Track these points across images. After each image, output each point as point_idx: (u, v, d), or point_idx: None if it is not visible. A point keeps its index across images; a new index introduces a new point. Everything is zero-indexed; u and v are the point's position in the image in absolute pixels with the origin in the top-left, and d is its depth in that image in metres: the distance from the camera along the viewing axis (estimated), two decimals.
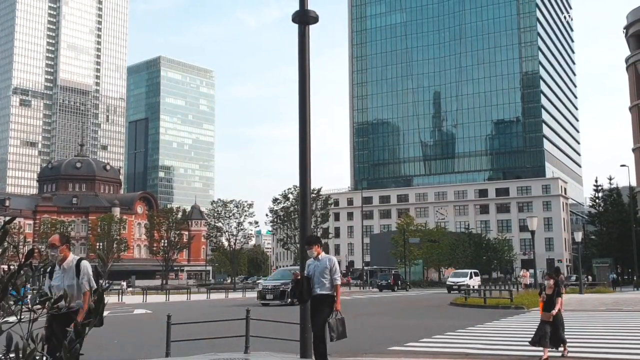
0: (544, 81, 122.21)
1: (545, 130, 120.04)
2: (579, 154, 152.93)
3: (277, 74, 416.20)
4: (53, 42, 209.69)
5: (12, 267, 2.63)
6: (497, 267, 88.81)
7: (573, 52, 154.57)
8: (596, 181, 75.13)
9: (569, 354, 11.87)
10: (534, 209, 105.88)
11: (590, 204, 79.58)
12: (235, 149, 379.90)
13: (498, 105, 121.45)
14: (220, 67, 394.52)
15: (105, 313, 20.77)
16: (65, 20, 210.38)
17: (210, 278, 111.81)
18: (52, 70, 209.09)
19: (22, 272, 2.64)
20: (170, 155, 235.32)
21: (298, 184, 10.11)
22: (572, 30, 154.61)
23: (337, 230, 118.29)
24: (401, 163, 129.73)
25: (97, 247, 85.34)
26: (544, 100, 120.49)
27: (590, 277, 61.99)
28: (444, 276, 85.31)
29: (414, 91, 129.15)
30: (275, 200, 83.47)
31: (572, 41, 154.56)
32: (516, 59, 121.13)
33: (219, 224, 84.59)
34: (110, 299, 37.44)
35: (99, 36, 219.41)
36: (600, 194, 74.18)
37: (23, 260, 2.63)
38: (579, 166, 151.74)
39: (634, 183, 67.14)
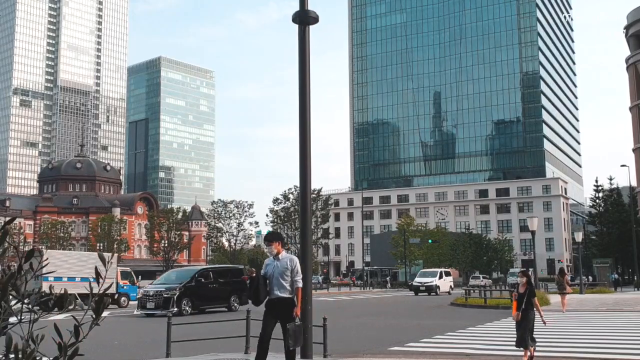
0: (544, 81, 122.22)
1: (546, 131, 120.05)
2: (579, 154, 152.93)
3: (277, 75, 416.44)
4: (53, 42, 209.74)
5: (12, 267, 2.63)
6: (498, 267, 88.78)
7: (573, 52, 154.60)
8: (596, 181, 75.09)
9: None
10: (534, 209, 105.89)
11: (591, 204, 79.53)
12: (235, 150, 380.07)
13: (498, 106, 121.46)
14: (220, 67, 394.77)
15: (106, 313, 20.79)
16: (65, 21, 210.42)
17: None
18: (52, 71, 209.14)
19: (22, 272, 2.64)
20: (171, 156, 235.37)
21: (298, 184, 10.10)
22: (572, 30, 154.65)
23: (337, 230, 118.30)
24: (401, 163, 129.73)
25: (98, 247, 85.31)
26: (544, 100, 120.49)
27: (590, 277, 61.97)
28: None
29: (414, 91, 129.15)
30: (275, 200, 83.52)
31: (572, 41, 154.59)
32: (516, 59, 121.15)
33: (219, 225, 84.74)
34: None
35: (99, 37, 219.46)
36: (600, 194, 74.11)
37: (23, 260, 2.63)
38: (579, 166, 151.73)
39: (634, 183, 67.11)
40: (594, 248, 72.79)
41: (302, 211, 9.91)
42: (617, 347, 13.12)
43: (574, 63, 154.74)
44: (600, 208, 73.36)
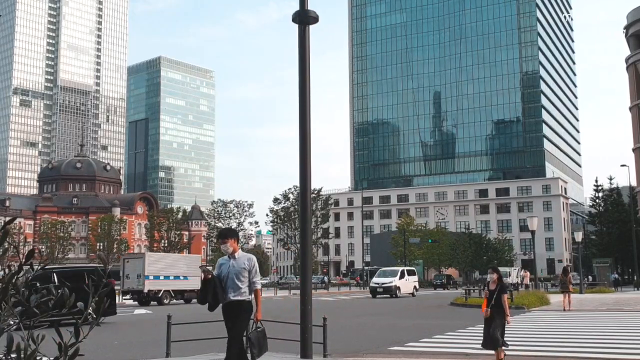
0: (544, 81, 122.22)
1: (546, 130, 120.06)
2: (579, 154, 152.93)
3: (277, 75, 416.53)
4: (53, 42, 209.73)
5: (12, 267, 2.63)
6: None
7: (573, 51, 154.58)
8: (596, 181, 75.13)
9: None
10: (534, 209, 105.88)
11: (591, 204, 79.55)
12: (235, 150, 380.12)
13: (498, 105, 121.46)
14: (220, 67, 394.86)
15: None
16: (65, 21, 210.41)
17: None
18: (52, 71, 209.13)
19: (22, 272, 2.64)
20: (171, 156, 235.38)
21: (298, 184, 10.10)
22: (572, 30, 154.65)
23: (337, 230, 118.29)
24: (401, 163, 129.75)
25: (98, 247, 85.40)
26: (544, 100, 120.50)
27: (590, 277, 61.93)
28: None
29: (414, 91, 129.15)
30: (275, 200, 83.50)
31: (572, 41, 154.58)
32: (516, 59, 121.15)
33: (219, 224, 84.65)
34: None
35: (99, 36, 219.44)
36: (600, 194, 74.13)
37: (23, 260, 2.64)
38: (579, 166, 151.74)
39: (634, 183, 67.11)
40: (593, 248, 72.81)
41: (302, 211, 9.91)
42: (617, 347, 13.12)
43: (573, 63, 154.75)
44: (600, 208, 73.38)
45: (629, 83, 66.97)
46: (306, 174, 9.71)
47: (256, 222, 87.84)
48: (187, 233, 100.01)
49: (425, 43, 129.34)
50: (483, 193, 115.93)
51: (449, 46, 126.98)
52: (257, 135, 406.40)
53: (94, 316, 2.69)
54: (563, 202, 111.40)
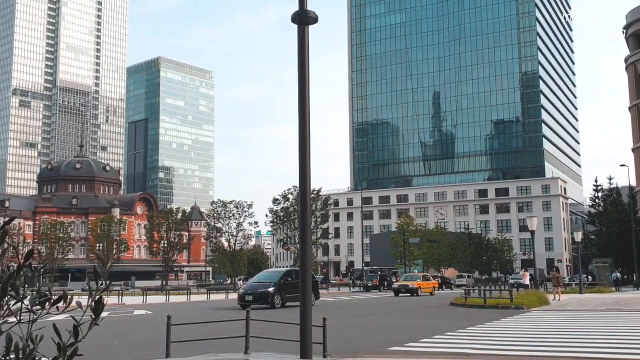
0: (544, 81, 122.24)
1: (545, 130, 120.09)
2: (578, 154, 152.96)
3: (276, 75, 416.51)
4: (52, 43, 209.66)
5: (11, 267, 2.63)
6: (497, 267, 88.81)
7: (572, 51, 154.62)
8: (596, 181, 75.14)
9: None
10: (533, 209, 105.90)
11: (590, 204, 79.56)
12: (234, 150, 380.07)
13: (497, 105, 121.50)
14: (219, 68, 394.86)
15: (105, 314, 20.78)
16: (64, 21, 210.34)
17: (210, 279, 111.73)
18: (51, 71, 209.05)
19: (21, 272, 2.64)
20: (170, 156, 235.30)
21: (298, 185, 10.09)
22: (571, 30, 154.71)
23: (337, 230, 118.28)
24: (401, 163, 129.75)
25: (97, 247, 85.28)
26: (543, 100, 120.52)
27: (590, 277, 61.96)
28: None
29: (413, 91, 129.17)
30: (275, 200, 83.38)
31: (572, 41, 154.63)
32: (515, 59, 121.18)
33: (219, 225, 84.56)
34: (110, 299, 37.43)
35: (98, 37, 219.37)
36: (599, 194, 74.13)
37: (22, 261, 2.63)
38: (579, 166, 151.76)
39: (633, 183, 67.13)
40: (593, 248, 72.80)
41: (302, 211, 9.90)
42: (617, 347, 13.12)
43: (573, 63, 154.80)
44: (600, 208, 73.38)
45: (628, 83, 66.98)
46: (305, 174, 9.70)
47: (256, 223, 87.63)
48: (186, 233, 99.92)
49: (425, 43, 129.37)
50: (482, 193, 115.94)
51: (448, 46, 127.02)
52: (256, 136, 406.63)
53: (93, 316, 2.69)
54: (562, 202, 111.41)
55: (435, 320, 21.27)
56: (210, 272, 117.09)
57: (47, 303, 2.66)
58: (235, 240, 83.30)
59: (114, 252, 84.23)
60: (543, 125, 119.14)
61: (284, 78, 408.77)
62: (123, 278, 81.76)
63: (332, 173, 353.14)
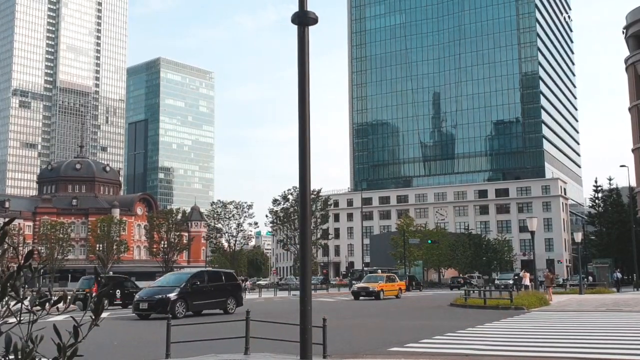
0: (544, 82, 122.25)
1: (545, 131, 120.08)
2: (578, 155, 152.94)
3: (276, 76, 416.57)
4: (52, 43, 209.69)
5: (11, 268, 2.63)
6: (497, 267, 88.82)
7: (572, 52, 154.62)
8: (596, 182, 75.19)
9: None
10: (533, 210, 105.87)
11: (590, 205, 79.58)
12: (234, 150, 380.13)
13: (497, 106, 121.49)
14: (219, 68, 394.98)
15: (105, 314, 20.77)
16: (64, 22, 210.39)
17: None
18: (51, 72, 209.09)
19: (21, 273, 2.64)
20: (170, 157, 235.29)
21: (298, 185, 10.09)
22: (571, 30, 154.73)
23: (336, 231, 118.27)
24: (401, 164, 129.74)
25: (97, 248, 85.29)
26: (543, 101, 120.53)
27: (591, 278, 61.90)
28: (443, 277, 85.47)
29: (413, 92, 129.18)
30: (275, 201, 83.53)
31: (572, 42, 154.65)
32: (515, 60, 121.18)
33: (219, 225, 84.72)
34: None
35: (98, 37, 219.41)
36: (599, 195, 74.16)
37: (22, 261, 2.63)
38: (579, 167, 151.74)
39: (633, 183, 67.12)
40: (593, 248, 72.80)
41: (302, 212, 9.91)
42: (616, 347, 13.13)
43: (573, 63, 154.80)
44: (600, 208, 73.41)
45: (628, 83, 66.97)
46: (305, 175, 9.70)
47: (256, 223, 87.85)
48: (186, 234, 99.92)
49: (425, 44, 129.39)
50: (482, 194, 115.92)
51: (448, 47, 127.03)
52: (256, 136, 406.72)
53: (93, 317, 2.69)
54: (562, 203, 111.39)
55: (435, 321, 21.27)
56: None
57: (47, 304, 2.66)
58: (235, 241, 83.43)
59: (114, 252, 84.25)
60: (543, 125, 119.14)
61: (284, 79, 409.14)
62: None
63: (332, 173, 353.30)
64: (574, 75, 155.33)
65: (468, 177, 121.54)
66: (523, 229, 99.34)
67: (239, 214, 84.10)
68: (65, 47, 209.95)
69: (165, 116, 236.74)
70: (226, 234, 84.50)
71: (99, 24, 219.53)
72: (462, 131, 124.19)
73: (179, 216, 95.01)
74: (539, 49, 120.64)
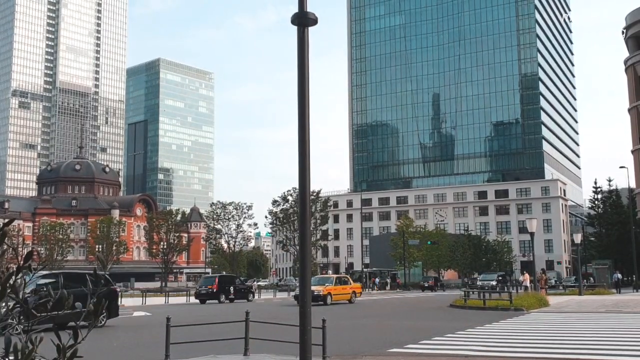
0: (543, 83, 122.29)
1: (545, 132, 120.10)
2: (578, 156, 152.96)
3: (276, 77, 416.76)
4: (52, 44, 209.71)
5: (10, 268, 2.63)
6: (497, 269, 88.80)
7: (572, 53, 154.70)
8: (595, 183, 75.14)
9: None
10: (533, 211, 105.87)
11: (590, 206, 79.56)
12: (234, 151, 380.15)
13: (497, 107, 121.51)
14: (219, 69, 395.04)
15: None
16: (64, 23, 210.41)
17: None
18: (51, 73, 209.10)
19: (20, 274, 2.64)
20: (170, 158, 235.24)
21: (297, 186, 10.09)
22: (570, 31, 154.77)
23: (336, 232, 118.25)
24: (400, 165, 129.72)
25: (97, 249, 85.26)
26: (543, 102, 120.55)
27: (592, 279, 61.89)
28: (443, 278, 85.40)
29: (413, 93, 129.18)
30: (274, 202, 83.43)
31: (571, 43, 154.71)
32: (515, 61, 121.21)
33: (218, 226, 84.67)
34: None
35: (98, 38, 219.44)
36: (599, 196, 74.13)
37: (22, 262, 2.63)
38: (578, 168, 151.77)
39: (633, 185, 67.13)
40: (593, 249, 72.78)
41: (301, 213, 9.90)
42: (616, 348, 13.12)
43: (572, 65, 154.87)
44: (599, 209, 73.38)
45: (627, 85, 66.98)
46: (305, 176, 9.70)
47: (255, 224, 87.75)
48: (186, 235, 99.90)
49: (424, 45, 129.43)
50: (482, 195, 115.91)
51: (448, 48, 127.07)
52: (256, 137, 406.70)
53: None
54: (562, 204, 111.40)
55: (434, 322, 21.26)
56: (210, 274, 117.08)
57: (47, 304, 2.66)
58: (235, 242, 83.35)
59: (114, 253, 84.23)
60: (542, 127, 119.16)
61: (283, 79, 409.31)
62: (122, 279, 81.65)
63: (332, 174, 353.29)
64: (573, 76, 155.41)
65: (468, 178, 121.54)
66: (522, 230, 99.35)
67: (238, 215, 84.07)
68: (64, 47, 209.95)
69: (164, 117, 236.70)
70: (226, 235, 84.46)
71: (98, 25, 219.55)
72: (462, 132, 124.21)
73: (179, 217, 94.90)
74: (538, 50, 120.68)
